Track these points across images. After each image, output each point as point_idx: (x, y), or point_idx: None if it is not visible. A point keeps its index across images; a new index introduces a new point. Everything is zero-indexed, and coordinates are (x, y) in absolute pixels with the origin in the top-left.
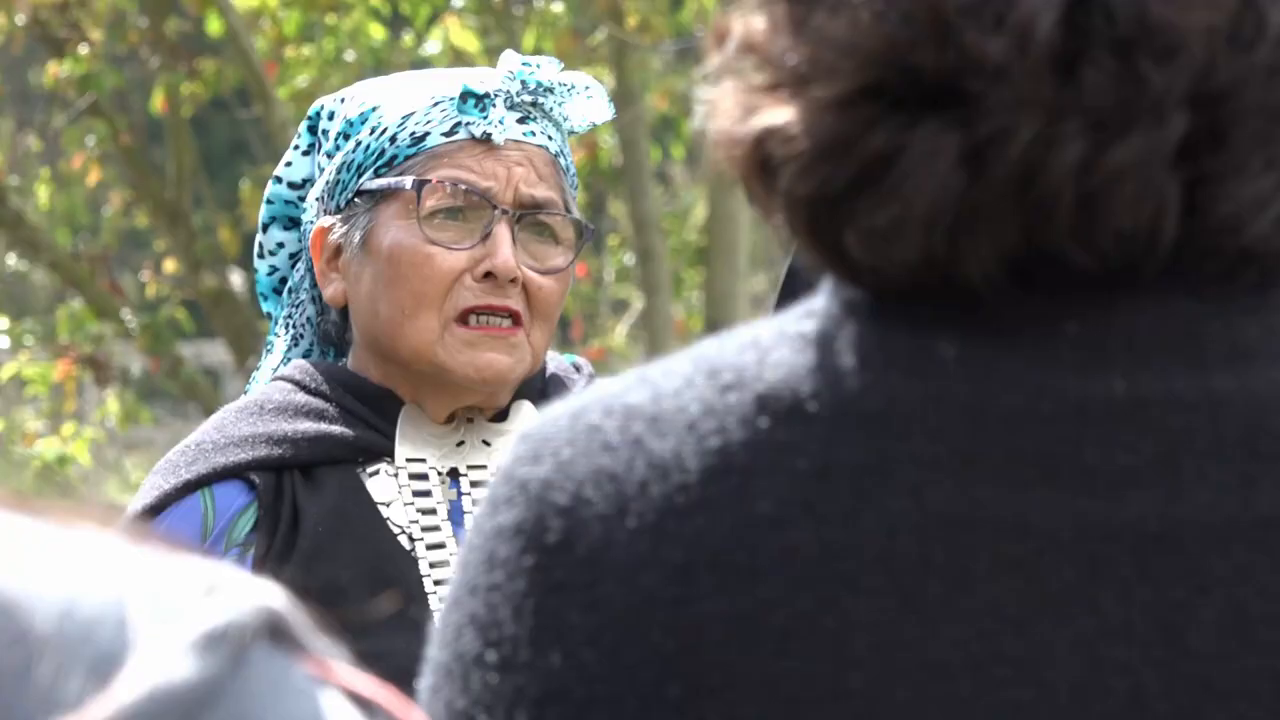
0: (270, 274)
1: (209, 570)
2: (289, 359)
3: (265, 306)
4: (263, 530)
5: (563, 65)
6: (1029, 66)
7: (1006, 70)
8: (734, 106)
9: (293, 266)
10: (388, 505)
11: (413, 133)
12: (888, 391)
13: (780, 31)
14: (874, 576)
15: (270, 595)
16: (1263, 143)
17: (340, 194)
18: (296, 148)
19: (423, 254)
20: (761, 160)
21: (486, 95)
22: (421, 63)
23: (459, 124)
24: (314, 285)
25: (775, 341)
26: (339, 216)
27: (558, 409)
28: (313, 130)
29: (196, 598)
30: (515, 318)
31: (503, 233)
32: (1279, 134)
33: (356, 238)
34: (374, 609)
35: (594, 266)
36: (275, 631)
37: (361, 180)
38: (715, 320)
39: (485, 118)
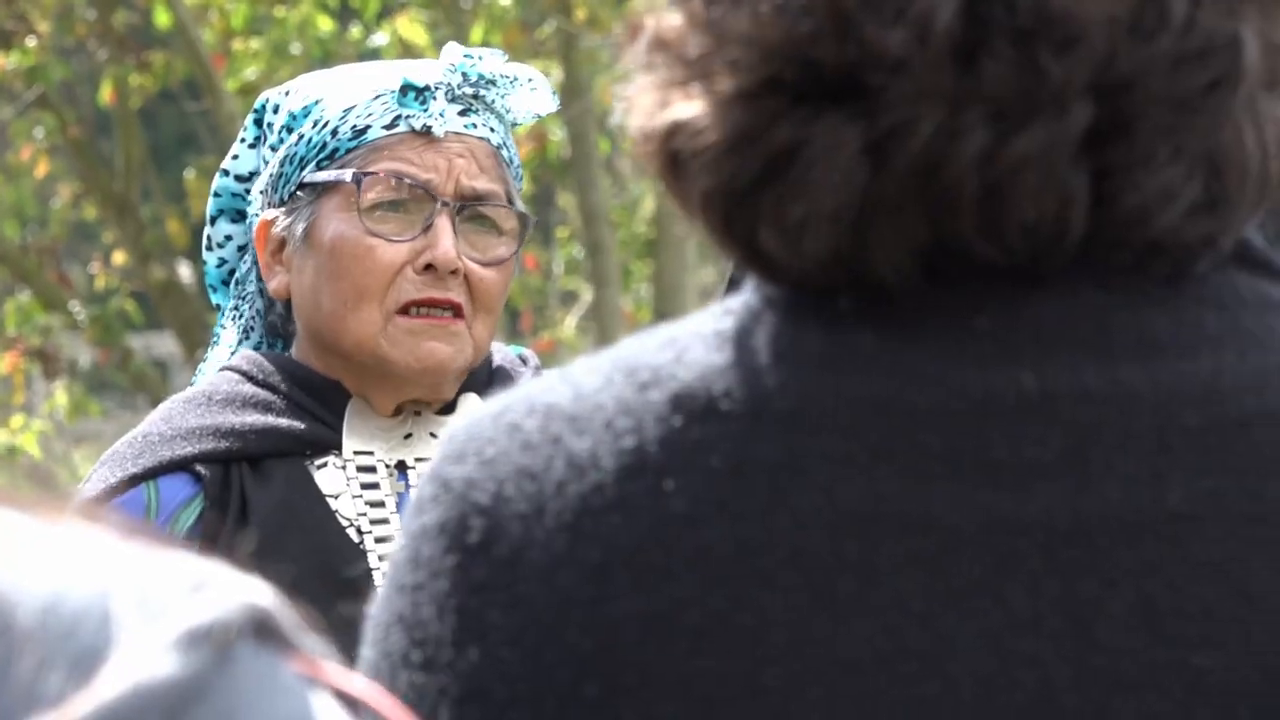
0: (219, 266)
1: (197, 567)
2: (237, 352)
3: (215, 298)
4: (209, 523)
5: (510, 58)
6: (929, 58)
7: (906, 62)
8: (648, 102)
9: (241, 259)
10: (336, 498)
11: (354, 125)
12: (800, 388)
13: (690, 26)
14: (787, 573)
15: (259, 593)
16: (1169, 133)
17: (283, 187)
18: (243, 140)
19: (364, 246)
20: (672, 154)
21: (426, 88)
22: (370, 55)
23: (399, 116)
24: (261, 278)
25: (692, 340)
26: (282, 209)
27: (483, 408)
28: (258, 123)
29: (183, 595)
30: (456, 310)
31: (444, 224)
32: (1186, 124)
33: (299, 231)
34: (330, 608)
35: (543, 259)
36: (263, 629)
37: (304, 173)
38: (664, 312)
39: (425, 110)
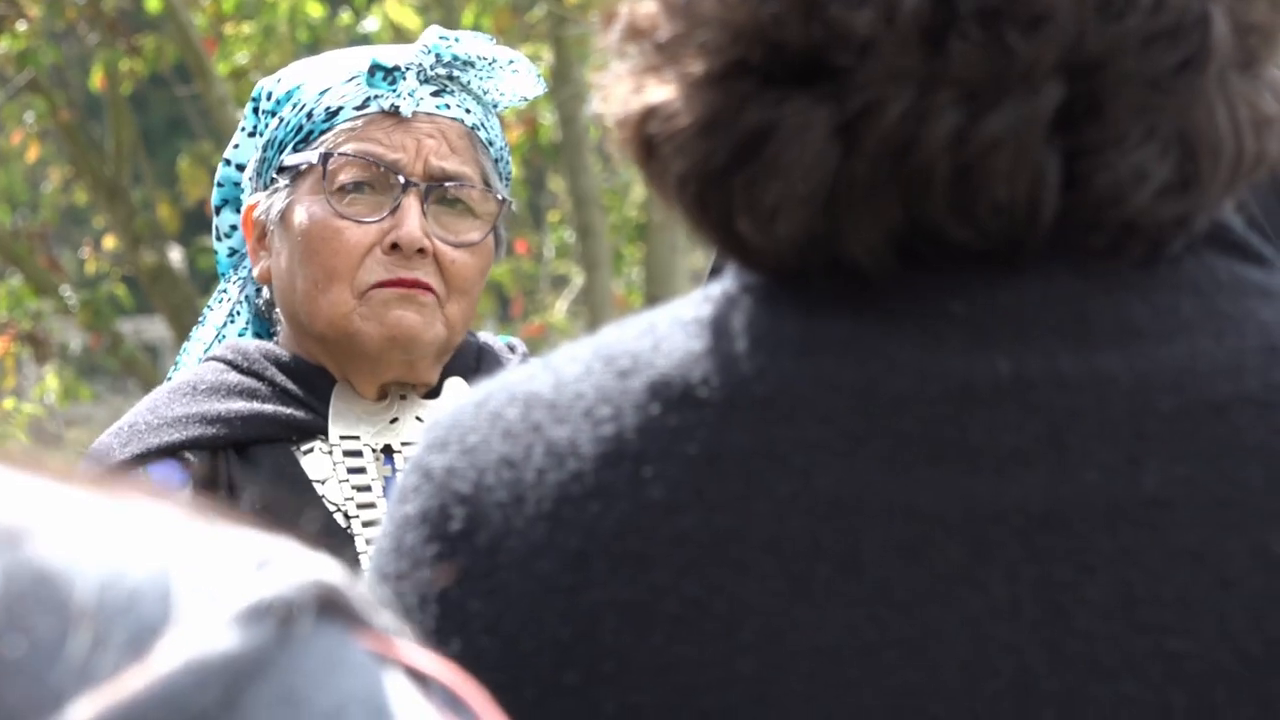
0: (231, 255)
1: (263, 544)
2: (223, 336)
3: (224, 285)
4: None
5: (500, 41)
6: (896, 38)
7: (874, 43)
8: (623, 89)
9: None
10: (322, 483)
11: (327, 107)
12: (777, 376)
13: (663, 11)
14: (764, 561)
15: (327, 570)
16: (1141, 113)
17: (266, 171)
18: (243, 129)
19: (332, 228)
20: (646, 140)
21: (396, 68)
22: (361, 40)
23: (370, 97)
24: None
25: (671, 327)
26: (264, 193)
27: (466, 396)
28: (256, 111)
29: (247, 571)
30: (425, 289)
31: (411, 205)
32: (1157, 104)
33: (275, 214)
34: None
35: (534, 243)
36: (332, 606)
37: (281, 156)
38: (655, 296)
39: (394, 90)
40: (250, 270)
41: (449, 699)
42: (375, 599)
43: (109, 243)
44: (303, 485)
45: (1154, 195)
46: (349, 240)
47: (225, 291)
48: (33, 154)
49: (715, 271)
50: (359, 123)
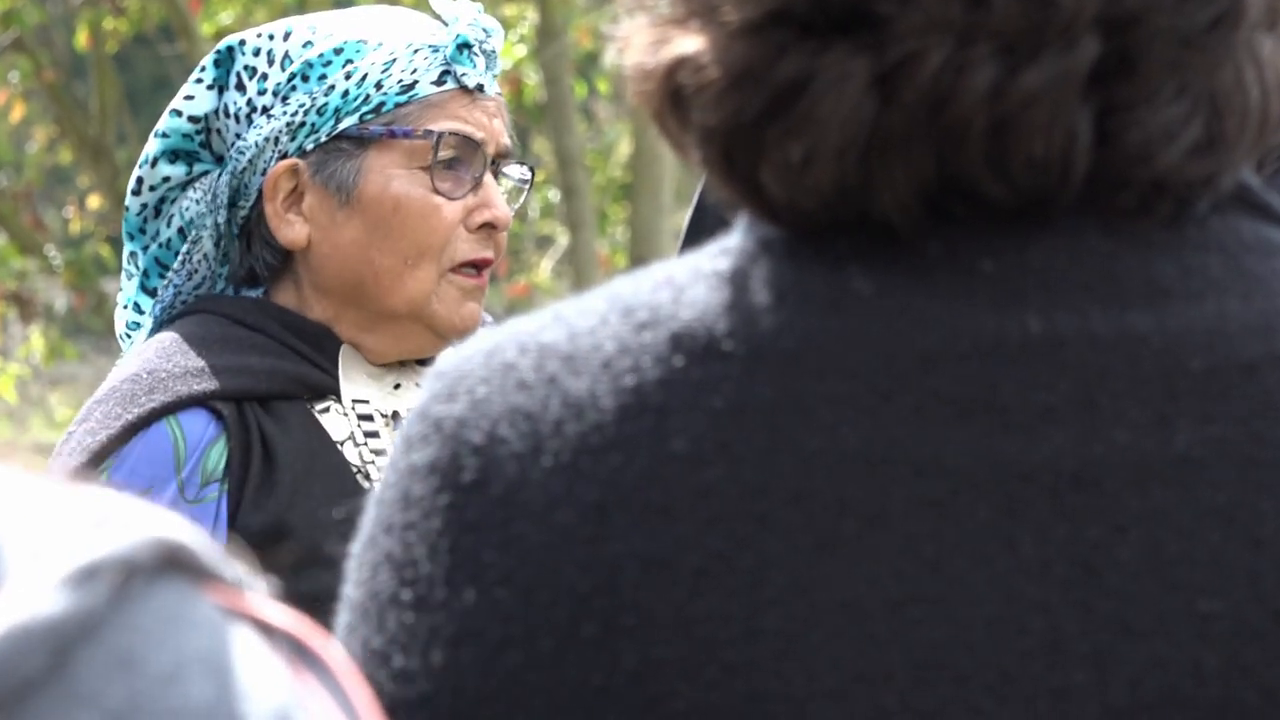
0: (139, 212)
1: (105, 503)
2: (184, 295)
3: (130, 245)
4: (235, 463)
5: (485, 4)
6: None
7: None
8: (646, 40)
9: (177, 200)
10: (341, 445)
11: (401, 81)
12: (803, 330)
13: None
14: (789, 516)
15: (169, 527)
16: (1173, 71)
17: (307, 137)
18: (200, 81)
19: (430, 205)
20: (673, 92)
21: (470, 44)
22: (347, 1)
23: (446, 72)
24: (221, 224)
25: (690, 279)
26: (307, 160)
27: (471, 346)
28: (218, 64)
29: (83, 531)
30: (489, 266)
31: (492, 182)
32: (1189, 62)
33: (345, 183)
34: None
35: None
36: (175, 563)
37: (341, 125)
38: (640, 256)
39: (474, 67)
40: (211, 231)
41: (300, 652)
42: (224, 552)
43: (93, 202)
44: (330, 445)
45: (1184, 154)
46: (446, 217)
47: (189, 253)
48: (17, 114)
49: (699, 212)
50: (441, 99)
